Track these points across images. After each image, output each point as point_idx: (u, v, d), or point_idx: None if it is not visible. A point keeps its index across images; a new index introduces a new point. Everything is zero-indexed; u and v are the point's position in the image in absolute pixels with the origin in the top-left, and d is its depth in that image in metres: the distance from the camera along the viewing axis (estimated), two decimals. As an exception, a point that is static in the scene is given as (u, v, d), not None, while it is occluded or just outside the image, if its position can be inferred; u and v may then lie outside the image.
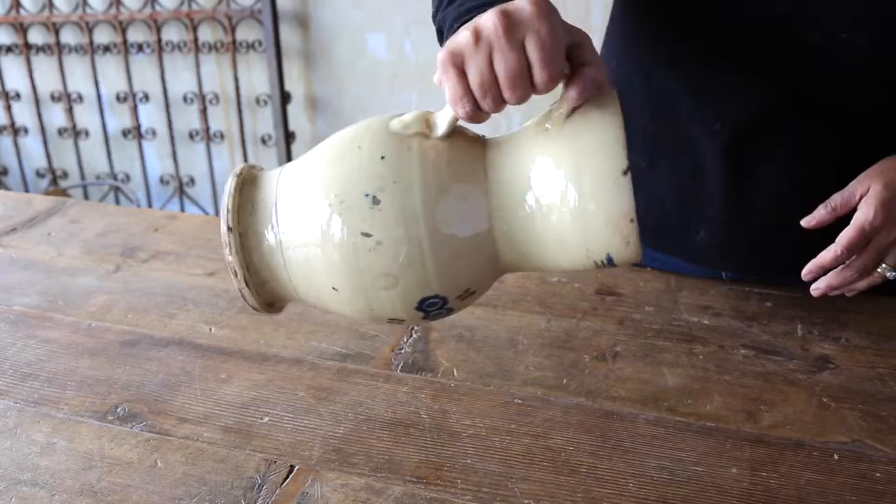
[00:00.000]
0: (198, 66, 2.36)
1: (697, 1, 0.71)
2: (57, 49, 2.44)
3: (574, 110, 0.50)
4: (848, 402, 0.65)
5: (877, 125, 0.70)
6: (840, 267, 0.66)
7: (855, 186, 0.65)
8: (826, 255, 0.65)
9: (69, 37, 2.44)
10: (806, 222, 0.66)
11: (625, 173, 0.47)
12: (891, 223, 0.63)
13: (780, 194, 0.74)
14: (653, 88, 0.78)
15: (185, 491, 0.56)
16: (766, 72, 0.70)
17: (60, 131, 2.59)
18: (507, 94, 0.48)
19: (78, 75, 2.50)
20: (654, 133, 0.78)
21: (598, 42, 0.83)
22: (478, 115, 0.50)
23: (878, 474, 0.57)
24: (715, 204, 0.76)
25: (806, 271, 0.67)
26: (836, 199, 0.65)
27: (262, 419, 0.64)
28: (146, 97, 2.47)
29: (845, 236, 0.64)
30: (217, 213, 2.54)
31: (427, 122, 0.51)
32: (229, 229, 0.52)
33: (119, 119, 2.55)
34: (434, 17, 0.69)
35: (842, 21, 0.66)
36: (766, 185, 0.74)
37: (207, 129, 2.44)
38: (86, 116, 2.56)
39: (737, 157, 0.73)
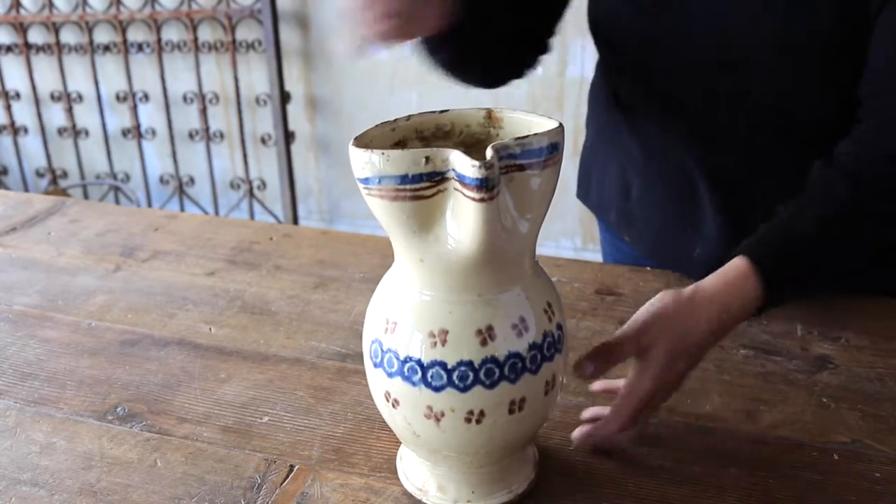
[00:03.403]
0: (198, 65, 2.36)
1: (651, 49, 0.73)
2: (57, 49, 2.44)
3: None
4: (847, 401, 0.65)
5: (831, 129, 0.70)
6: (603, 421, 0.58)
7: (637, 336, 0.55)
8: (609, 426, 0.57)
9: (69, 36, 2.44)
10: (580, 369, 0.55)
11: None
12: (665, 386, 0.56)
13: (770, 211, 0.74)
14: (640, 123, 0.80)
15: (185, 491, 0.56)
16: (719, 99, 0.71)
17: (60, 131, 2.59)
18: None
19: (78, 75, 2.50)
20: (648, 159, 0.80)
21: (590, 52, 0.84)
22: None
23: (877, 474, 0.57)
24: (708, 223, 0.77)
25: (582, 434, 0.59)
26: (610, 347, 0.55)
27: (261, 419, 0.64)
28: (146, 97, 2.47)
29: (628, 408, 0.55)
30: (217, 212, 2.54)
31: None
32: None
33: (119, 119, 2.55)
34: None
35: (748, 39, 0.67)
36: (756, 204, 0.74)
37: (207, 128, 2.44)
38: (86, 116, 2.56)
39: (725, 179, 0.75)
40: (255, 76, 2.38)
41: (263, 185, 2.52)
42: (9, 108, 2.58)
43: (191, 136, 2.48)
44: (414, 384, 0.48)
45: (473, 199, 0.43)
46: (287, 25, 2.31)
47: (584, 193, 0.96)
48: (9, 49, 2.52)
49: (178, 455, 0.60)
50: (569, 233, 2.33)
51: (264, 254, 0.90)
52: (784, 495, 0.56)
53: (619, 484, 0.57)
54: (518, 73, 0.78)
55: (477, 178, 0.42)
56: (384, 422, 0.63)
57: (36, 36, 2.48)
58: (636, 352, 0.55)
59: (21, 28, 2.45)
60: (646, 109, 0.78)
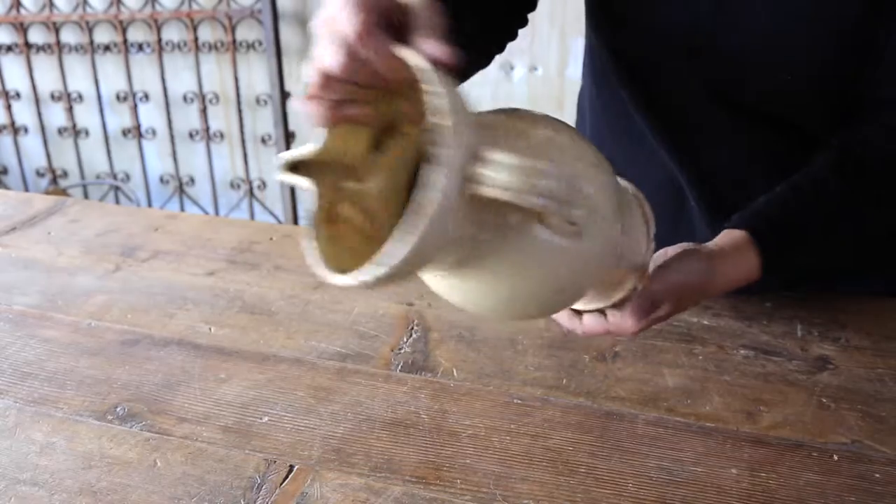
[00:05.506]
0: (198, 65, 2.36)
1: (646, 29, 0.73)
2: (57, 48, 2.44)
3: None
4: (847, 402, 0.65)
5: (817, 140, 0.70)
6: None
7: (661, 296, 0.57)
8: (625, 330, 0.58)
9: (69, 36, 2.44)
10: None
11: None
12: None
13: None
14: (622, 120, 0.79)
15: (185, 491, 0.56)
16: (712, 95, 0.71)
17: (60, 131, 2.59)
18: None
19: (78, 75, 2.50)
20: (634, 158, 0.80)
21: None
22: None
23: (877, 475, 0.57)
24: (701, 226, 0.76)
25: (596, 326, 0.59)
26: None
27: (261, 419, 0.64)
28: (146, 97, 2.47)
29: (644, 325, 0.57)
30: (217, 212, 2.54)
31: None
32: None
33: (119, 118, 2.55)
34: None
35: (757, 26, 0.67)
36: (743, 204, 0.74)
37: (207, 128, 2.44)
38: (86, 116, 2.56)
39: (709, 179, 0.74)
40: (256, 76, 2.38)
41: (263, 185, 2.52)
42: (9, 107, 2.58)
43: (191, 135, 2.48)
44: None
45: None
46: (287, 25, 2.31)
47: None
48: (9, 49, 2.52)
49: (177, 455, 0.60)
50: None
51: (264, 254, 0.90)
52: (784, 495, 0.56)
53: (619, 484, 0.57)
54: (509, 38, 0.74)
55: None
56: (384, 422, 0.63)
57: (36, 36, 2.48)
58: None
59: (21, 28, 2.45)
60: (633, 104, 0.77)
